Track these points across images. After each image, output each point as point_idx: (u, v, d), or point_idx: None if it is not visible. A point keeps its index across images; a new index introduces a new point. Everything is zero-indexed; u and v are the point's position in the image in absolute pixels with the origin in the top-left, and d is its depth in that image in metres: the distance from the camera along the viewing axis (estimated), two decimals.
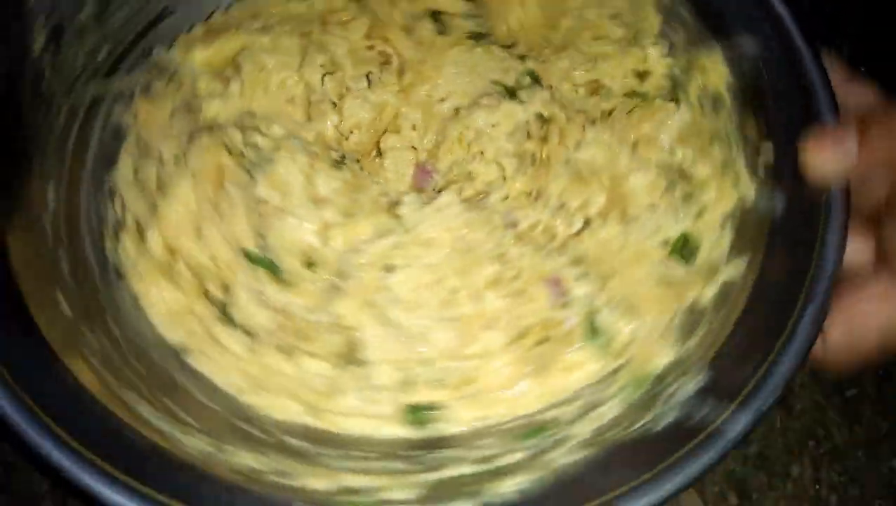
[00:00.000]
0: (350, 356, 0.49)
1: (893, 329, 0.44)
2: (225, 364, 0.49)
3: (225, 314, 0.49)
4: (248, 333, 0.49)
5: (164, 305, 0.49)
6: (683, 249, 0.51)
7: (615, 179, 0.53)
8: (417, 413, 0.48)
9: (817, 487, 0.59)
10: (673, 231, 0.51)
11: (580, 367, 0.49)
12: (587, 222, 0.52)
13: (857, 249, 0.47)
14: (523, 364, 0.49)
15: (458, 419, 0.48)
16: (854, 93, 0.50)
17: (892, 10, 0.73)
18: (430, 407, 0.48)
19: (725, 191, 0.51)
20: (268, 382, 0.48)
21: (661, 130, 0.54)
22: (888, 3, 0.74)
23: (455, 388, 0.49)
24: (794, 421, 0.62)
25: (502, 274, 0.50)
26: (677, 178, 0.53)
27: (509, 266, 0.51)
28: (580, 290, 0.50)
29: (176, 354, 0.49)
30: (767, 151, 0.49)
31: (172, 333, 0.49)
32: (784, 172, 0.48)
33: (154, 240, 0.50)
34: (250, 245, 0.49)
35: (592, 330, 0.49)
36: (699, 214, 0.51)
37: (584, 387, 0.49)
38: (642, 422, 0.43)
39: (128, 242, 0.51)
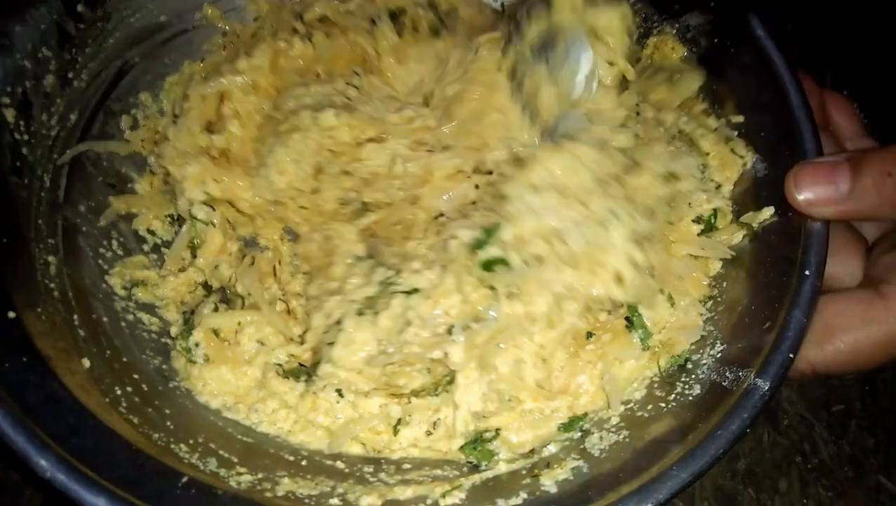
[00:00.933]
0: (434, 390, 0.48)
1: (875, 335, 0.45)
2: (271, 414, 0.48)
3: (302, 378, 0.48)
4: (309, 381, 0.48)
5: (215, 388, 0.49)
6: (710, 224, 0.52)
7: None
8: (475, 446, 0.47)
9: (805, 501, 0.59)
10: (705, 208, 0.52)
11: (626, 362, 0.49)
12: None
13: (850, 272, 0.48)
14: (580, 365, 0.49)
15: (509, 443, 0.47)
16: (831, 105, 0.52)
17: (874, 37, 0.74)
18: (488, 437, 0.47)
19: (728, 159, 0.52)
20: (323, 424, 0.48)
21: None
22: (870, 31, 0.75)
23: (519, 410, 0.48)
24: (782, 437, 0.62)
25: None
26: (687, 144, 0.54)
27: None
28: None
29: (214, 411, 0.48)
30: (739, 119, 0.52)
31: (214, 401, 0.48)
32: (758, 137, 0.50)
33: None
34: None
35: (634, 324, 0.49)
36: (718, 188, 0.52)
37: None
38: (672, 398, 0.44)
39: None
